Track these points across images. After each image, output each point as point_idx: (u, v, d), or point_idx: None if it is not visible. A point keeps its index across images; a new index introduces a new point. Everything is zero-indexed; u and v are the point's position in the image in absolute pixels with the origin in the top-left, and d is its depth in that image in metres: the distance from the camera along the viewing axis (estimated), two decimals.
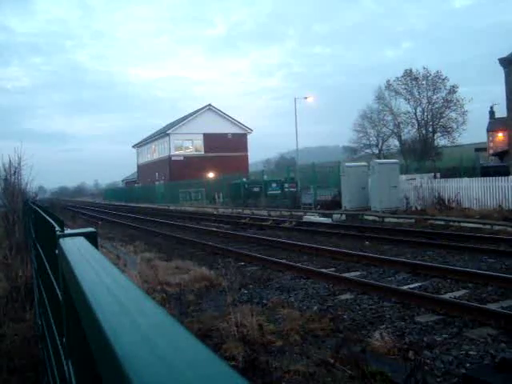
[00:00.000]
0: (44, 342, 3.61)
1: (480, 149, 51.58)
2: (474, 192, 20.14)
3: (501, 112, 41.43)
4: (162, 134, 59.60)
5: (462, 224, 16.15)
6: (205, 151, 57.33)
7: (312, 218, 21.77)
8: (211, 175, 49.78)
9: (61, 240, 1.55)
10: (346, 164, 25.58)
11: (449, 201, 20.30)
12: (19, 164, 14.89)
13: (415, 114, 56.10)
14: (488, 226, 15.26)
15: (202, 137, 57.32)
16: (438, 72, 54.21)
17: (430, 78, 54.35)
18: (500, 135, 48.22)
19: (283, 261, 11.10)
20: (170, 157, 57.08)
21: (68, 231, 1.73)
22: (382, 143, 61.50)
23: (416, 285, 8.36)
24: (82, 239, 1.52)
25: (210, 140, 56.83)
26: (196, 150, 57.80)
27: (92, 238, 1.57)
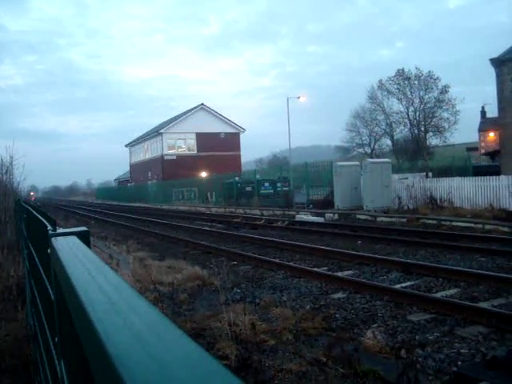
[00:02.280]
0: (36, 341, 3.60)
1: (471, 148, 51.84)
2: (465, 191, 20.26)
3: (493, 112, 41.67)
4: (155, 133, 59.44)
5: (454, 223, 16.24)
6: (197, 150, 57.23)
7: (304, 217, 21.80)
8: (204, 174, 49.69)
9: (53, 239, 1.54)
10: (339, 163, 25.63)
11: (441, 200, 20.41)
12: (11, 163, 14.83)
13: (407, 113, 56.30)
14: (479, 225, 15.35)
15: (194, 136, 57.21)
16: (430, 72, 54.45)
17: (422, 78, 54.55)
18: (491, 135, 48.45)
19: (276, 260, 11.11)
20: (162, 156, 56.93)
21: (60, 230, 1.72)
22: (375, 143, 61.70)
23: (408, 284, 8.39)
24: (74, 238, 1.52)
25: (203, 139, 56.74)
26: (189, 150, 57.69)
27: (84, 238, 1.56)
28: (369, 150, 61.25)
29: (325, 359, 5.08)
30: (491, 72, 25.45)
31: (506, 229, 14.36)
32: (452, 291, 7.75)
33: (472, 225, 15.61)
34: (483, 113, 54.58)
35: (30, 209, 4.41)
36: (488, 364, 4.59)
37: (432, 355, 5.14)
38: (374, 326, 6.21)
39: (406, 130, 57.09)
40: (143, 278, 9.20)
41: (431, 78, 54.15)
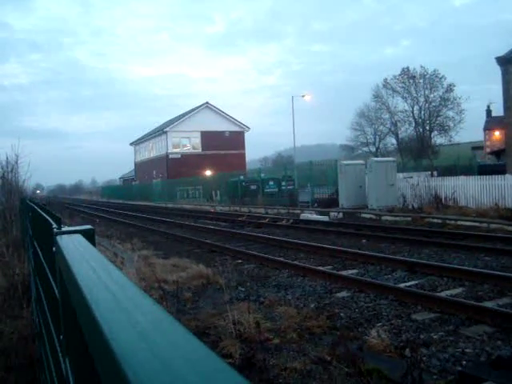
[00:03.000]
0: (41, 339, 3.61)
1: (477, 147, 51.74)
2: (470, 190, 20.19)
3: (498, 111, 41.48)
4: (160, 131, 59.53)
5: (459, 222, 16.18)
6: (202, 149, 57.30)
7: (309, 215, 21.78)
8: (208, 173, 49.73)
9: (58, 237, 1.55)
10: (344, 162, 25.59)
11: (445, 199, 20.33)
12: (16, 161, 14.89)
13: (412, 112, 56.19)
14: (484, 225, 15.30)
15: (199, 134, 57.28)
16: (435, 71, 54.35)
17: (427, 77, 54.44)
18: (497, 134, 48.35)
19: (280, 259, 11.11)
20: (167, 154, 57.01)
21: (65, 229, 1.72)
22: (380, 141, 61.61)
23: (413, 283, 8.37)
24: (79, 237, 1.52)
25: (208, 138, 56.79)
26: (193, 148, 57.77)
27: (89, 236, 1.57)
28: (374, 149, 61.17)
29: (329, 358, 5.08)
30: (497, 70, 25.34)
31: (511, 228, 14.30)
32: (457, 290, 7.73)
33: (477, 224, 15.55)
34: (489, 111, 54.48)
35: (35, 207, 4.43)
36: (493, 364, 4.57)
37: (436, 354, 5.13)
38: (379, 324, 6.20)
39: (411, 128, 57.02)
40: (148, 277, 9.22)
41: (436, 76, 54.05)
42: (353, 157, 56.29)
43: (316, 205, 26.06)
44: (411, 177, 25.17)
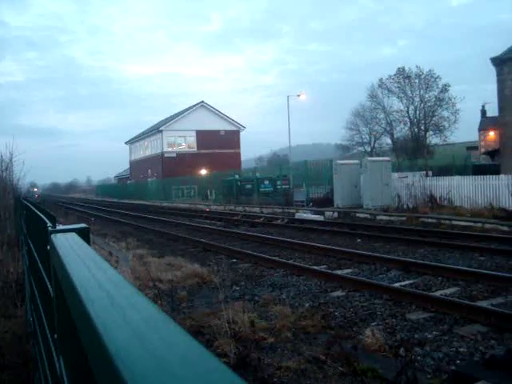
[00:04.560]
0: (35, 338, 3.60)
1: (471, 147, 51.85)
2: (465, 190, 20.25)
3: (493, 111, 41.60)
4: (155, 130, 59.45)
5: (454, 222, 16.24)
6: (197, 148, 57.25)
7: (304, 215, 21.79)
8: (204, 172, 49.69)
9: (52, 236, 1.54)
10: (339, 162, 25.60)
11: (440, 199, 20.39)
12: (11, 160, 14.83)
13: (407, 112, 56.26)
14: (479, 224, 15.36)
15: (194, 133, 57.23)
16: (430, 71, 54.45)
17: (422, 77, 54.53)
18: (491, 134, 48.47)
19: (275, 258, 11.11)
20: (162, 153, 56.93)
21: (60, 227, 1.72)
22: (375, 141, 61.64)
23: (407, 282, 8.39)
24: (74, 235, 1.52)
25: (203, 137, 56.74)
26: (189, 147, 57.71)
27: (84, 234, 1.56)
28: (369, 149, 61.20)
29: (324, 357, 5.09)
30: (492, 70, 25.43)
31: (505, 228, 14.37)
32: (451, 290, 7.75)
33: (471, 224, 15.61)
34: (483, 112, 54.62)
35: (30, 205, 4.41)
36: (487, 363, 4.59)
37: (431, 354, 5.15)
38: (373, 324, 6.22)
39: (406, 128, 57.08)
40: (142, 275, 9.20)
41: (431, 76, 54.16)
42: (348, 156, 56.31)
43: (311, 204, 26.07)
44: (406, 176, 25.21)
